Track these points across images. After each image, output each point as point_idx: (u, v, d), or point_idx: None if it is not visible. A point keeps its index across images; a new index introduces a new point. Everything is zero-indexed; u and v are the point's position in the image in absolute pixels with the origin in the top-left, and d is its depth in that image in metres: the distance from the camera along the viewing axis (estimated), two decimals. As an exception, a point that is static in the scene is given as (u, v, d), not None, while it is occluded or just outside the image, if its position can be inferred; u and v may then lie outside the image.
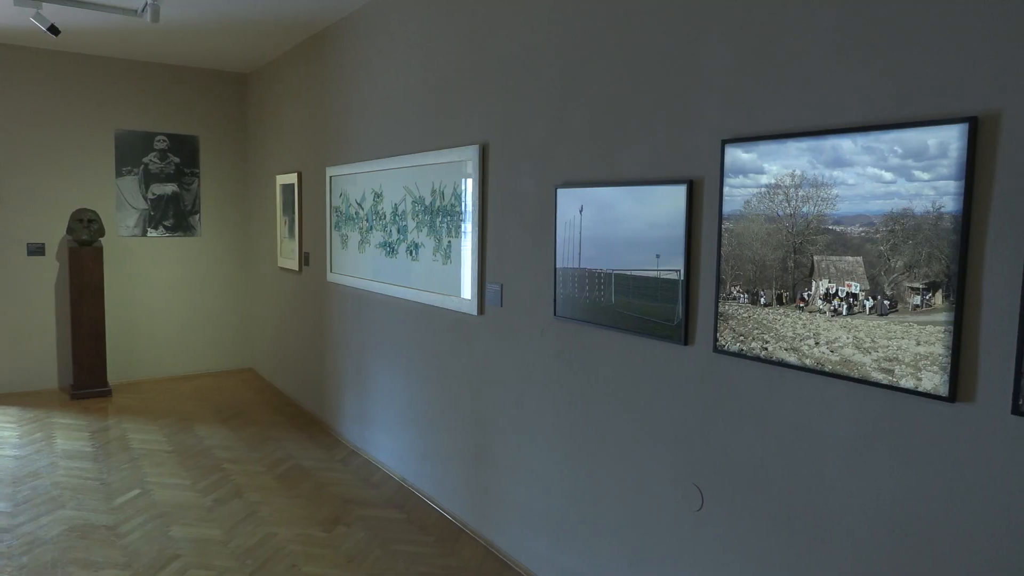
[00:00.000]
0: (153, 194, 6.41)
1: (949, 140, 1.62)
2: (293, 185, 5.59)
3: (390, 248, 4.17)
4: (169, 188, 6.48)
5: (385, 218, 4.20)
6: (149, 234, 6.43)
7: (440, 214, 3.65)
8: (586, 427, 2.76)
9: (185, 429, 5.10)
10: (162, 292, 6.56)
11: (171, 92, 6.41)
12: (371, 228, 4.38)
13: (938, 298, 1.66)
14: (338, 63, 4.77)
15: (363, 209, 4.47)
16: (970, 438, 1.64)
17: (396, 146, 4.08)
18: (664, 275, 2.36)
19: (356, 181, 4.55)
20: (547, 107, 2.88)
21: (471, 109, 3.38)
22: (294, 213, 5.59)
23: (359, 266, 4.56)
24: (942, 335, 1.66)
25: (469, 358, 3.47)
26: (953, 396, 1.64)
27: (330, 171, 4.90)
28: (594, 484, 2.73)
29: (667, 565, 2.43)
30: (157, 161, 6.40)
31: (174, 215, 6.53)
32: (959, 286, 1.63)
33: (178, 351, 6.69)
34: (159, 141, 6.39)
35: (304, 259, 5.51)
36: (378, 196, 4.27)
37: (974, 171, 1.60)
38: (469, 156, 3.36)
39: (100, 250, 5.82)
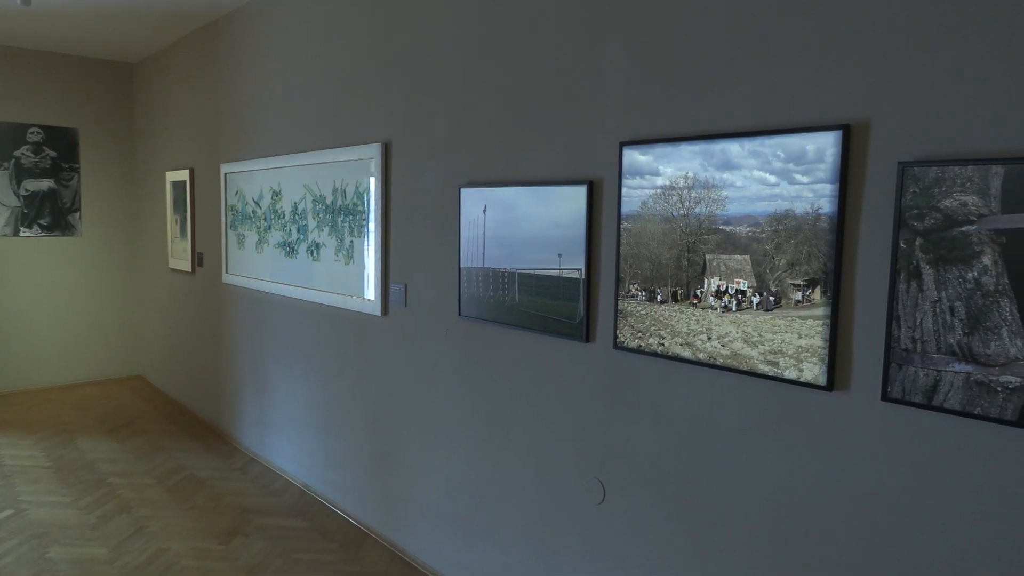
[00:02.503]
0: (26, 190, 5.93)
1: (825, 146, 1.73)
2: (185, 182, 5.32)
3: (290, 248, 4.04)
4: (45, 184, 6.02)
5: (284, 217, 4.07)
6: (22, 234, 5.95)
7: (342, 213, 3.57)
8: (491, 426, 2.77)
9: (65, 442, 4.76)
10: (38, 296, 6.08)
11: (46, 81, 5.96)
12: (269, 227, 4.23)
13: (817, 294, 1.77)
14: (232, 56, 4.58)
15: (261, 208, 4.31)
16: (846, 424, 1.76)
17: (295, 143, 3.96)
18: (566, 274, 2.40)
19: (253, 179, 4.38)
20: (451, 106, 2.88)
21: (373, 106, 3.32)
22: (186, 211, 5.32)
23: (257, 267, 4.39)
24: (821, 329, 1.77)
25: (373, 359, 3.42)
26: (831, 385, 1.76)
27: (225, 168, 4.69)
28: (500, 482, 2.75)
29: (573, 558, 2.47)
30: (31, 155, 5.93)
31: (51, 213, 6.07)
32: (835, 283, 1.74)
33: (58, 359, 6.23)
34: (33, 133, 5.92)
35: (197, 260, 5.25)
36: (276, 194, 4.13)
37: (847, 175, 1.72)
38: (372, 154, 3.31)
39: (-36, 251, 5.34)
